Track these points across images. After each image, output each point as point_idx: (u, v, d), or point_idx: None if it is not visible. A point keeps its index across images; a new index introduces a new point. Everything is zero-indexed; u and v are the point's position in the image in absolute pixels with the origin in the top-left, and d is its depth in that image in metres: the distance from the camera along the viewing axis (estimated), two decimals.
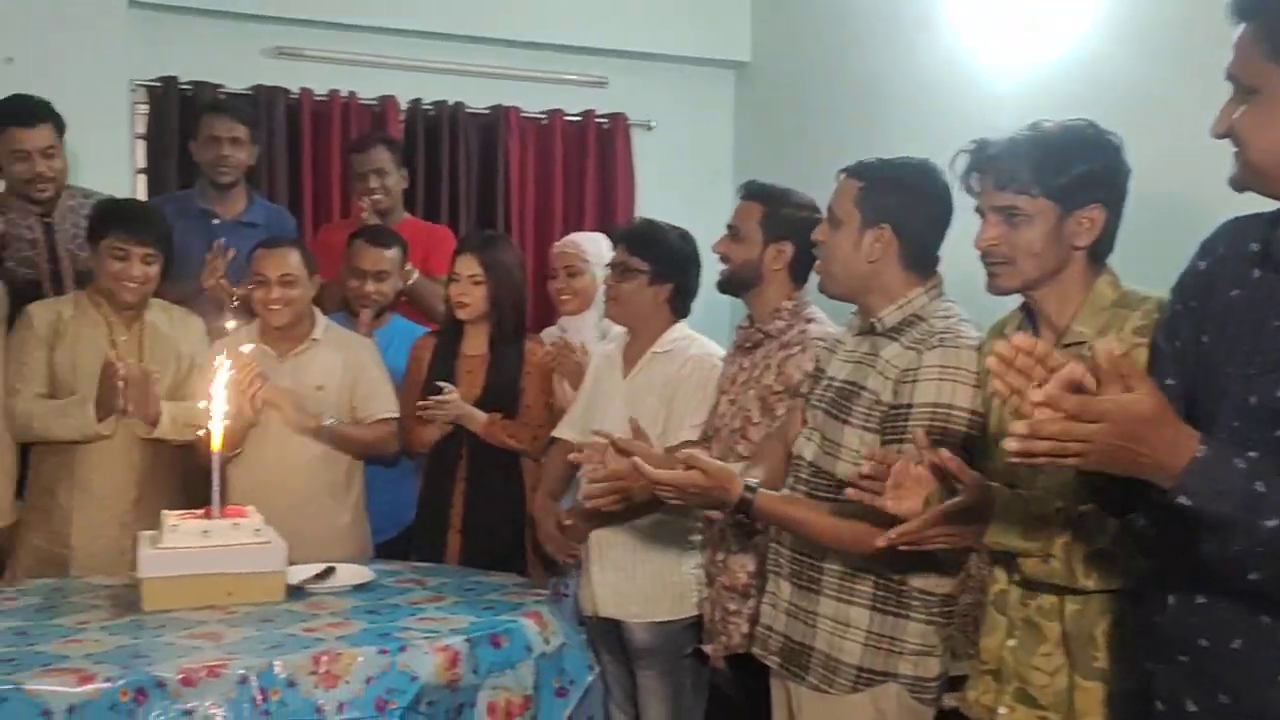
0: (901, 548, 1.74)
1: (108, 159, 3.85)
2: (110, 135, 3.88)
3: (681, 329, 2.85)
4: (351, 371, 3.09)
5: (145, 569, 2.47)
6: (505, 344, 3.14)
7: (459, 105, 4.41)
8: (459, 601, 2.61)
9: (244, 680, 2.12)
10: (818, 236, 2.17)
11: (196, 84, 4.04)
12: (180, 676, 2.09)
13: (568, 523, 2.84)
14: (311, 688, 2.17)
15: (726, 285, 2.66)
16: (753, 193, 2.63)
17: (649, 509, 2.61)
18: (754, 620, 2.38)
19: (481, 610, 2.54)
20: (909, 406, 1.96)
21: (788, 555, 2.18)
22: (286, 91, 4.18)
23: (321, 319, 3.14)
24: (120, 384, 2.76)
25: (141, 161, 4.06)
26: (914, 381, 1.97)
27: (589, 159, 4.63)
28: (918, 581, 2.03)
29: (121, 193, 3.68)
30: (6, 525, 2.90)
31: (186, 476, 3.05)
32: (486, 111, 4.48)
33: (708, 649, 2.64)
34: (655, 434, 2.66)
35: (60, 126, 3.15)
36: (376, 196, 3.61)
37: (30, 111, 3.08)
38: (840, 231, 2.10)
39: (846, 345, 2.18)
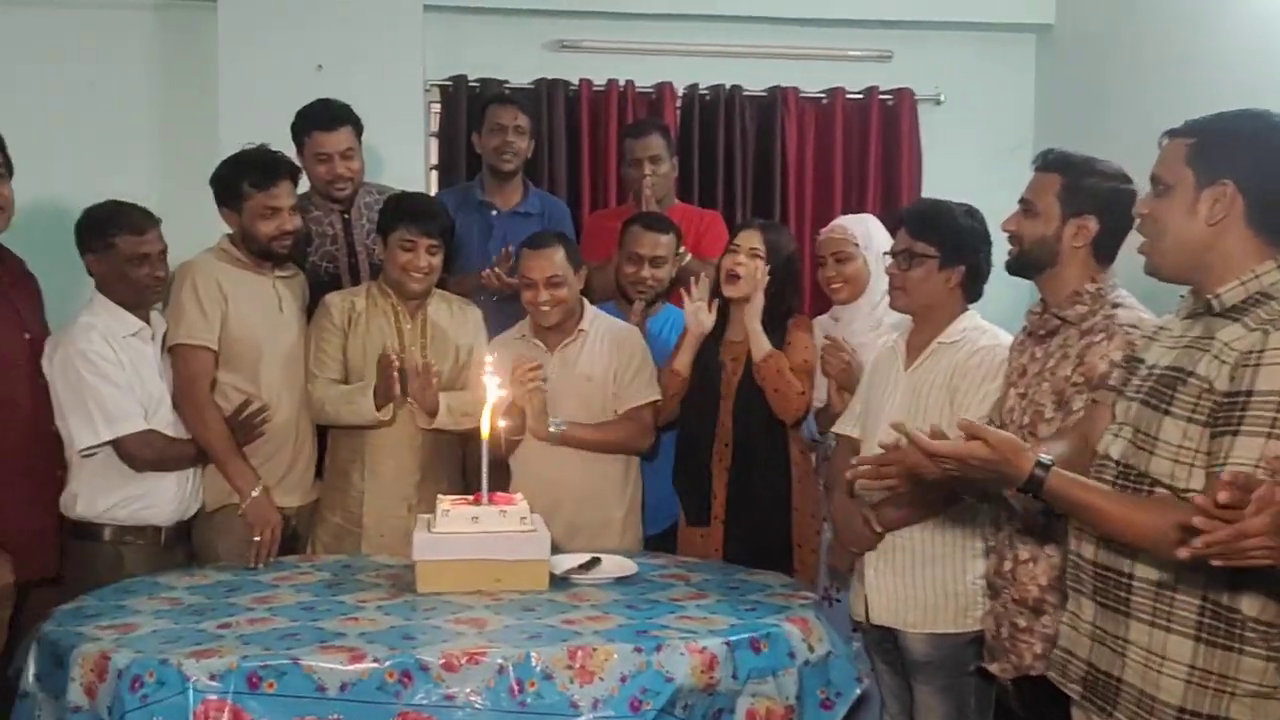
0: (1213, 563, 1.46)
1: (404, 157, 4.06)
2: (406, 133, 4.09)
3: (972, 318, 2.61)
4: (617, 360, 3.06)
5: (418, 552, 2.54)
6: (769, 329, 3.01)
7: (735, 88, 4.32)
8: (721, 600, 2.51)
9: (502, 670, 2.12)
10: (1141, 209, 1.88)
11: (484, 80, 4.18)
12: (443, 661, 2.11)
13: (877, 528, 2.61)
14: (567, 682, 2.13)
15: (1017, 266, 2.39)
16: (1050, 163, 2.34)
17: (937, 502, 2.42)
18: (1048, 639, 2.13)
19: (744, 611, 2.43)
20: (1248, 394, 1.63)
21: (1090, 569, 1.89)
22: (566, 83, 4.25)
23: (590, 310, 3.13)
24: (394, 375, 2.86)
25: (434, 158, 4.25)
26: (1257, 365, 1.64)
27: (872, 138, 4.42)
28: (1252, 607, 1.70)
29: (415, 189, 3.86)
30: (309, 503, 3.08)
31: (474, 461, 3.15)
32: (764, 94, 4.37)
33: (993, 668, 2.40)
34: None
35: (358, 128, 3.31)
36: (649, 185, 3.58)
37: (332, 115, 3.25)
38: (1169, 198, 1.80)
39: (1173, 330, 1.88)
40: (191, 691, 2.04)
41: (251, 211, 2.87)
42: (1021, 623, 2.30)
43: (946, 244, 2.54)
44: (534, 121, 3.66)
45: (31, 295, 2.79)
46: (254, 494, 2.81)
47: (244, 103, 3.83)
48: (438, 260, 3.03)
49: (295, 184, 2.97)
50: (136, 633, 2.23)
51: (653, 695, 2.13)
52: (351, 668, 2.09)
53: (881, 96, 4.41)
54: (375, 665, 2.10)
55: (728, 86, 4.32)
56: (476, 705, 2.09)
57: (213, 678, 2.05)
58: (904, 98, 4.40)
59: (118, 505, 2.71)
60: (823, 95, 4.42)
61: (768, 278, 2.97)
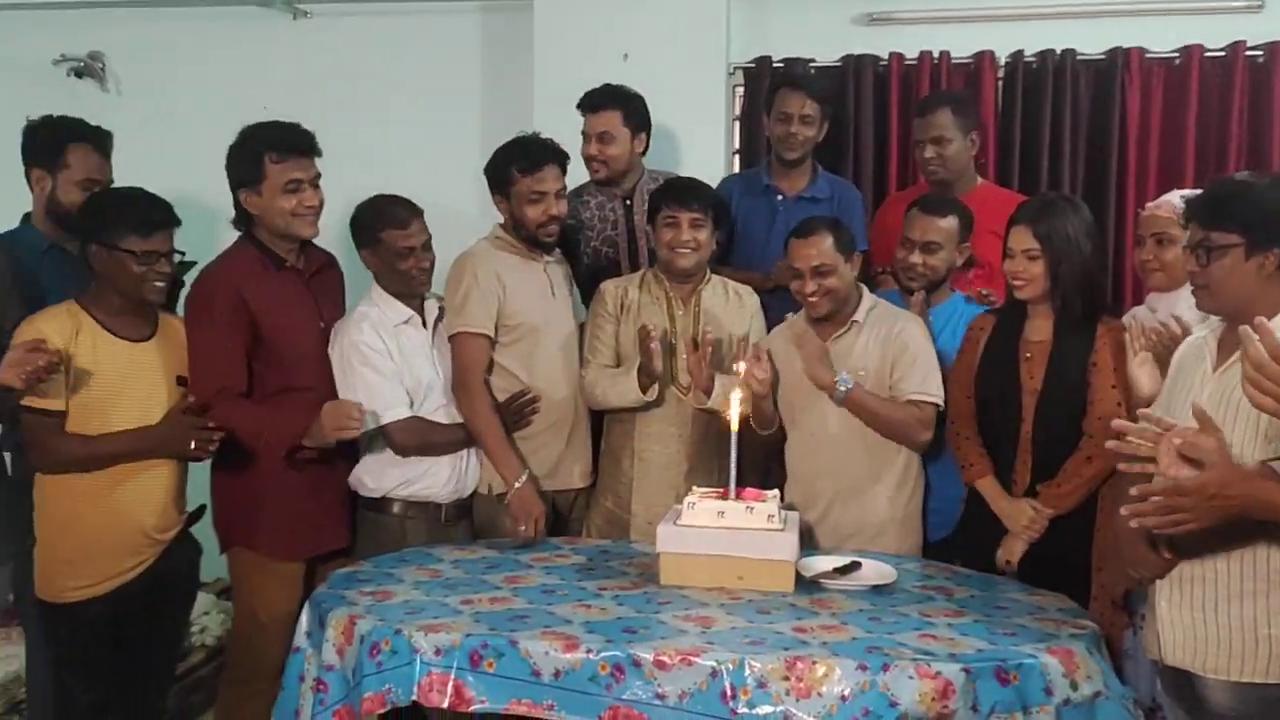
0: None
1: (705, 141, 4.04)
2: (708, 118, 4.06)
3: None
4: (891, 351, 2.86)
5: (661, 543, 2.51)
6: (1071, 328, 2.68)
7: (1067, 53, 3.91)
8: (978, 621, 2.27)
9: (715, 674, 2.04)
10: None
11: (788, 60, 4.06)
12: (655, 659, 2.06)
13: (1167, 554, 2.26)
14: (782, 694, 2.01)
15: None
16: None
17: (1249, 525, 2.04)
18: None
19: (1000, 636, 2.18)
20: None
21: None
22: (876, 59, 4.03)
23: (867, 299, 2.94)
24: (653, 349, 2.83)
25: (736, 142, 4.19)
26: None
27: (1235, 103, 3.83)
28: None
29: (717, 174, 3.83)
30: (585, 487, 3.14)
31: (750, 453, 3.07)
32: (1101, 57, 3.91)
33: None
34: (1252, 443, 2.05)
35: (626, 110, 3.31)
36: (932, 168, 3.33)
37: (593, 97, 3.31)
38: None
39: None
40: (418, 663, 2.13)
41: (519, 196, 2.95)
42: None
43: (1252, 226, 2.11)
44: (828, 105, 3.48)
45: (331, 287, 3.01)
46: (517, 485, 2.89)
47: (557, 94, 3.93)
48: (704, 235, 2.98)
49: (563, 170, 3.02)
50: (389, 601, 2.37)
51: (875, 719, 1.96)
52: (566, 656, 2.10)
53: (1249, 53, 3.81)
54: (588, 656, 2.09)
55: (1058, 51, 3.90)
56: (686, 707, 2.02)
57: (438, 652, 2.14)
58: (1278, 53, 3.78)
59: (399, 485, 2.88)
60: (1174, 55, 3.88)
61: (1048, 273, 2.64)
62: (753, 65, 4.11)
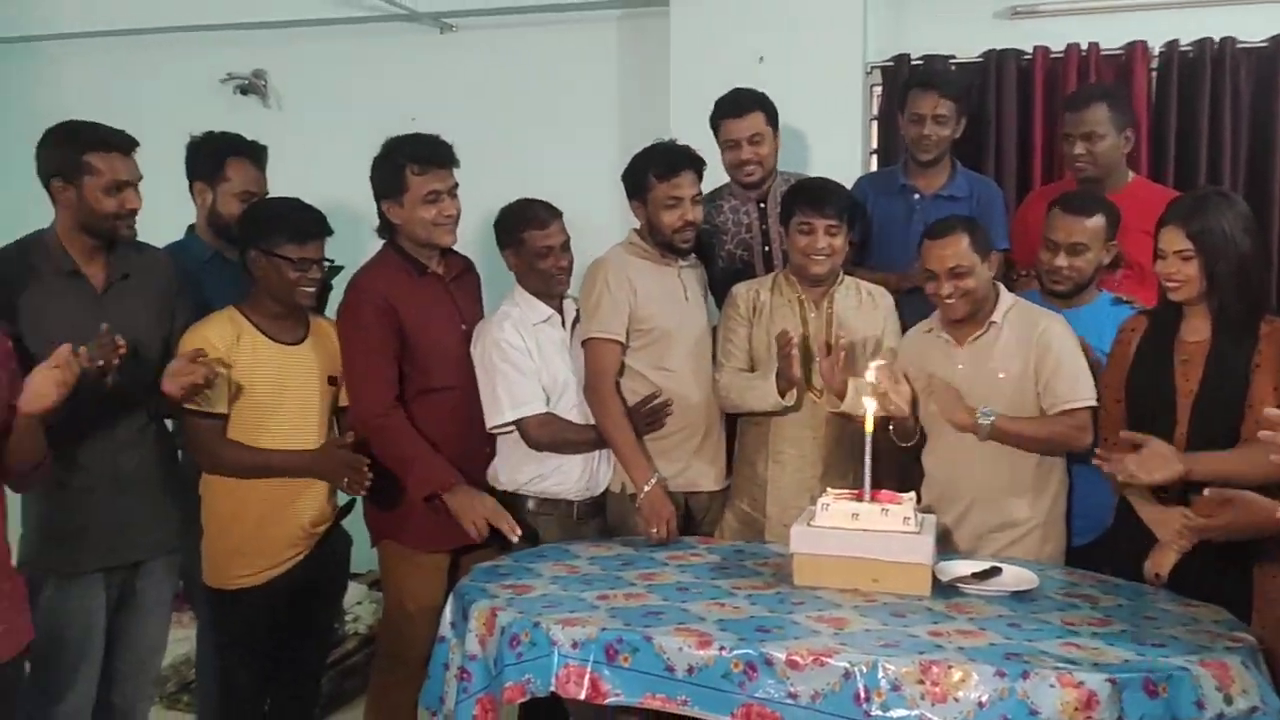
0: None
1: (841, 142, 4.00)
2: (844, 119, 4.03)
3: None
4: (1035, 355, 2.78)
5: (795, 544, 2.51)
6: (1231, 328, 2.55)
7: (1227, 41, 3.74)
8: (1125, 631, 2.20)
9: (848, 675, 2.03)
10: None
11: (926, 58, 4.00)
12: (787, 658, 2.07)
13: None
14: (918, 698, 1.99)
15: None
16: None
17: None
18: None
19: (1149, 647, 2.10)
20: None
21: None
22: (1019, 53, 3.94)
23: (1006, 298, 2.87)
24: (793, 354, 2.83)
25: (874, 142, 4.15)
26: None
27: None
28: None
29: (853, 175, 3.80)
30: (718, 490, 3.16)
31: (886, 455, 3.05)
32: (1264, 44, 3.73)
33: None
34: None
35: (770, 114, 3.31)
36: (1080, 165, 3.22)
37: (738, 102, 3.30)
38: None
39: None
40: (556, 655, 2.19)
41: (656, 202, 2.98)
42: None
43: None
44: (963, 101, 3.40)
45: (471, 290, 3.10)
46: (647, 488, 2.91)
47: (692, 99, 3.97)
48: (838, 241, 2.96)
49: (699, 176, 3.04)
50: (528, 595, 2.43)
51: None
52: (699, 653, 2.12)
53: None
54: (721, 653, 2.11)
55: (1216, 40, 3.74)
56: (819, 707, 2.02)
57: (575, 645, 2.19)
58: None
59: (532, 480, 2.96)
60: None
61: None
62: (890, 64, 4.07)
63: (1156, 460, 2.40)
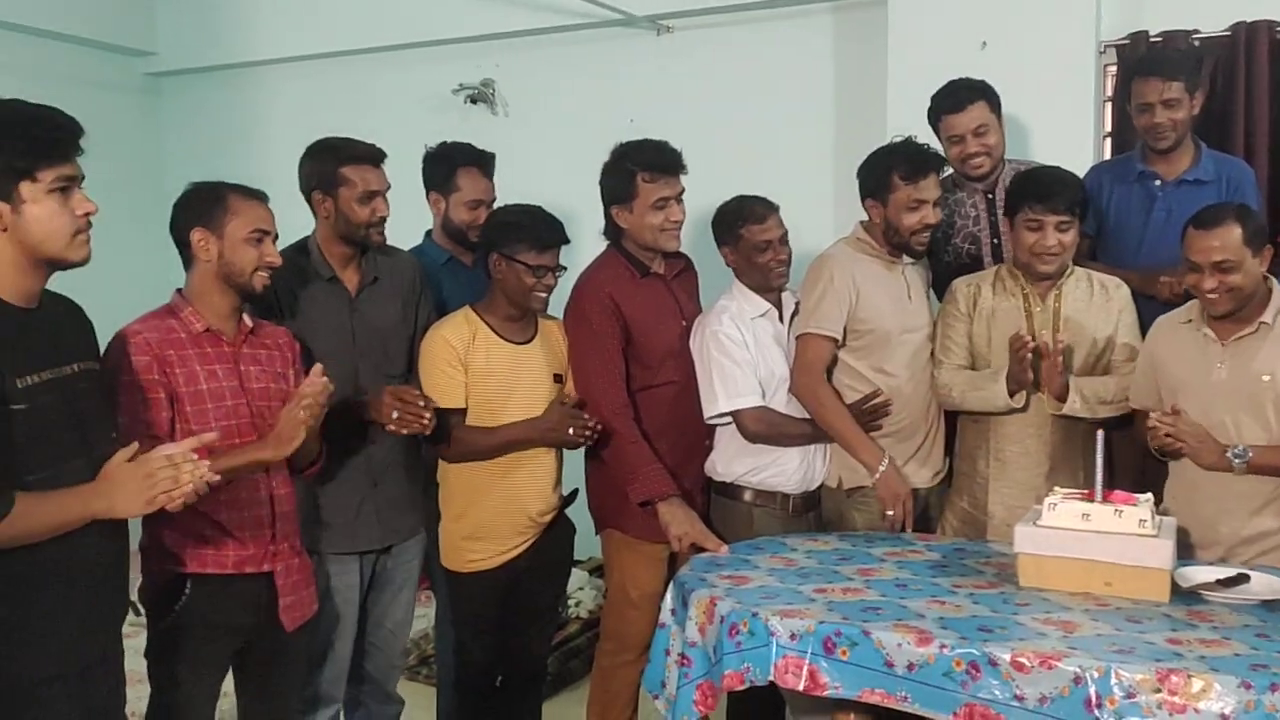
0: None
1: (1071, 128, 3.83)
2: (1074, 102, 3.85)
3: None
4: None
5: (1019, 544, 2.44)
6: None
7: None
8: None
9: (1078, 680, 1.97)
10: None
11: (1166, 35, 3.77)
12: (1013, 659, 2.02)
13: None
14: (1154, 707, 1.91)
15: None
16: None
17: None
18: None
19: None
20: None
21: None
22: (1271, 24, 3.66)
23: (1278, 295, 2.65)
24: (1027, 358, 2.75)
25: (1107, 125, 3.95)
26: None
27: None
28: None
29: (1084, 162, 3.63)
30: (938, 484, 3.10)
31: (1119, 455, 2.92)
32: None
33: None
34: None
35: (994, 103, 3.21)
36: None
37: (958, 95, 3.21)
38: None
39: None
40: (774, 645, 2.22)
41: (898, 203, 2.90)
42: None
43: None
44: (1191, 80, 3.15)
45: (690, 288, 3.16)
46: (881, 468, 2.90)
47: (912, 88, 3.88)
48: (1069, 238, 2.84)
49: (940, 176, 2.98)
50: (746, 586, 2.47)
51: None
52: (919, 649, 2.10)
53: None
54: (942, 651, 2.09)
55: None
56: (1046, 711, 1.97)
57: (793, 636, 2.21)
58: None
59: (750, 472, 2.99)
60: None
61: None
62: (1126, 41, 3.86)
63: None
